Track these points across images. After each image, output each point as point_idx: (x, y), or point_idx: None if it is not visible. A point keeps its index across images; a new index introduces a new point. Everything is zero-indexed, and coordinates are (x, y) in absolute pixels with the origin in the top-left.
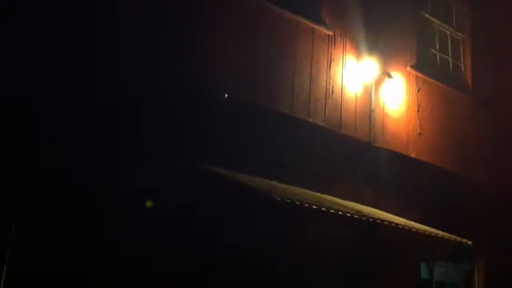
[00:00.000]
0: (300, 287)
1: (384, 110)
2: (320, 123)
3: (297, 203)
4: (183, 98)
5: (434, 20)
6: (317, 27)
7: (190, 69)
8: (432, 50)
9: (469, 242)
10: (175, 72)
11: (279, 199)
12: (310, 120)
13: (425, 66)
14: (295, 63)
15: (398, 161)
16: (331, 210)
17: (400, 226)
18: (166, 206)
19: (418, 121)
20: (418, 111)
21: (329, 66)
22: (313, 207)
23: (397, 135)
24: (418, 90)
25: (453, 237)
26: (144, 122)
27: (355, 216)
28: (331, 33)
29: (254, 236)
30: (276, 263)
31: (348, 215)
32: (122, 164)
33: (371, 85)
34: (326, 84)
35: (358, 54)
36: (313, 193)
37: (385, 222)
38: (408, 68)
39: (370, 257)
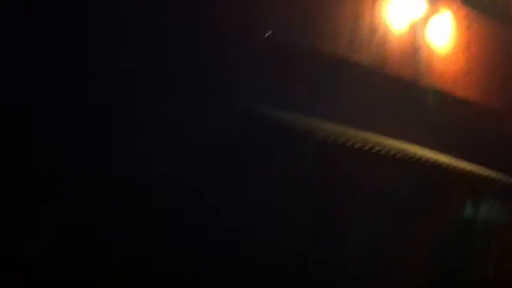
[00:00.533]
0: (342, 228)
1: (431, 47)
2: (364, 62)
3: (340, 141)
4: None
5: None
6: None
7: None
8: None
9: None
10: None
11: (321, 138)
12: (353, 59)
13: (476, 2)
14: (338, 0)
15: (445, 100)
16: (375, 149)
17: (446, 165)
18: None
19: (466, 59)
20: (466, 48)
21: (374, 2)
22: (357, 146)
23: (444, 73)
24: (468, 26)
25: (500, 175)
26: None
27: (400, 155)
28: None
29: (297, 176)
30: (317, 204)
31: (392, 154)
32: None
33: (418, 22)
34: (370, 21)
35: None
36: (357, 132)
37: (431, 161)
38: (458, 3)
39: (414, 196)
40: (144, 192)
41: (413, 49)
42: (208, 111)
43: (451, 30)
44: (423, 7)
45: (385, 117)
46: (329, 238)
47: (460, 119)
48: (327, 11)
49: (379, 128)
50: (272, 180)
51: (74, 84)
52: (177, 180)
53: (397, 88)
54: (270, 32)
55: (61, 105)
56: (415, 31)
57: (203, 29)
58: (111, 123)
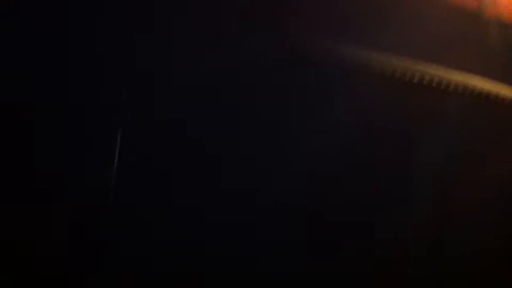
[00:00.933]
0: (401, 164)
1: None
2: None
3: (399, 74)
4: None
5: None
6: None
7: None
8: None
9: None
10: None
11: (379, 70)
12: None
13: None
14: None
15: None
16: (435, 82)
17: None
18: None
19: None
20: None
21: None
22: (416, 78)
23: (510, 5)
24: None
25: None
26: None
27: (461, 89)
28: None
29: (355, 111)
30: (373, 139)
31: (453, 87)
32: None
33: None
34: None
35: None
36: (417, 64)
37: (495, 95)
38: None
39: (478, 132)
40: None
41: None
42: (267, 44)
43: None
44: None
45: (450, 50)
46: (394, 180)
47: None
48: None
49: (443, 62)
50: (336, 119)
51: None
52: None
53: (459, 19)
54: None
55: None
56: None
57: None
58: None
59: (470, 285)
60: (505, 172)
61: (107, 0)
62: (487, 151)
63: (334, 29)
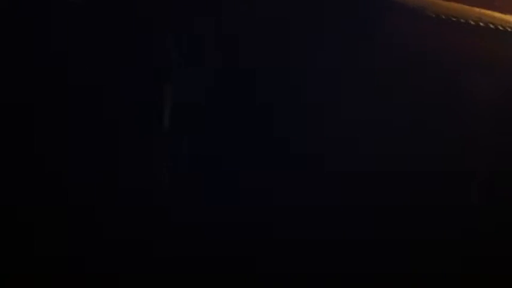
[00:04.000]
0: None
1: None
2: None
3: (454, 19)
4: None
5: None
6: None
7: None
8: None
9: None
10: None
11: (433, 15)
12: None
13: None
14: None
15: None
16: (491, 26)
17: None
18: None
19: None
20: None
21: None
22: (471, 22)
23: None
24: None
25: None
26: None
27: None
28: None
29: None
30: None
31: (509, 29)
32: None
33: None
34: None
35: None
36: (471, 8)
37: None
38: None
39: None
40: None
41: None
42: None
43: None
44: None
45: None
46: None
47: None
48: None
49: (494, 4)
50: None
51: None
52: None
53: None
54: None
55: None
56: None
57: None
58: None
59: None
60: None
61: None
62: None
63: None
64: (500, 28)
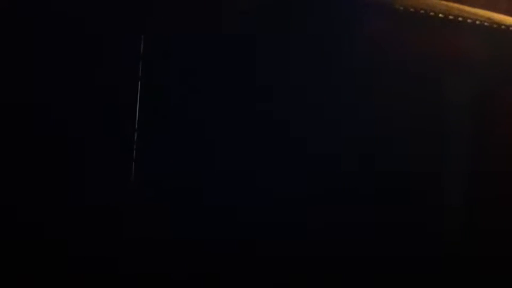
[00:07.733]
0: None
1: None
2: None
3: (422, 11)
4: None
5: None
6: None
7: None
8: None
9: None
10: None
11: (401, 8)
12: None
13: None
14: None
15: None
16: (460, 19)
17: None
18: None
19: None
20: None
21: None
22: (440, 15)
23: None
24: None
25: None
26: None
27: (486, 24)
28: None
29: (375, 49)
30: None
31: (477, 22)
32: None
33: None
34: None
35: None
36: (440, 1)
37: None
38: None
39: (504, 70)
40: None
41: None
42: None
43: None
44: None
45: None
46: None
47: None
48: None
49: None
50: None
51: None
52: None
53: None
54: None
55: None
56: None
57: None
58: None
59: None
60: None
61: None
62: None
63: None
64: (469, 21)
